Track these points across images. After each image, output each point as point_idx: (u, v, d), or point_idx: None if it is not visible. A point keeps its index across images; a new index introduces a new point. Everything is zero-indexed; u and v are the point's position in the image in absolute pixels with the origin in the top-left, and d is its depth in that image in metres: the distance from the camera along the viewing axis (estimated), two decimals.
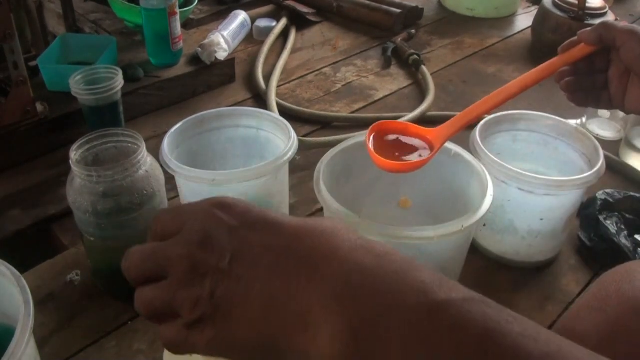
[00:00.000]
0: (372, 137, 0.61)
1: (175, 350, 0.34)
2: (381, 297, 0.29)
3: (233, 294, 0.32)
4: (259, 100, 1.17)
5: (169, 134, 0.75)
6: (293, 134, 0.75)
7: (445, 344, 0.28)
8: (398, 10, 1.46)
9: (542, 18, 1.37)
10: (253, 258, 0.32)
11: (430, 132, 0.63)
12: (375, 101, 1.20)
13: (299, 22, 1.46)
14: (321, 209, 0.68)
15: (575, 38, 0.65)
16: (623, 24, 0.63)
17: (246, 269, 0.32)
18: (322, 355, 0.30)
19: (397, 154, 0.61)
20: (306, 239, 0.32)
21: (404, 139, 0.63)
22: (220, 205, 0.34)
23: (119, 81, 0.86)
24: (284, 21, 1.43)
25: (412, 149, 0.62)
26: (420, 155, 0.61)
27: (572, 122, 0.83)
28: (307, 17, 1.48)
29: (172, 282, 0.33)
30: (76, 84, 0.84)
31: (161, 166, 0.69)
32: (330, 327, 0.29)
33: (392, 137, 0.63)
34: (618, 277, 0.54)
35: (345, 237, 0.32)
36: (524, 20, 1.60)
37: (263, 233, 0.33)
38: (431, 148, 0.62)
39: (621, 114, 0.98)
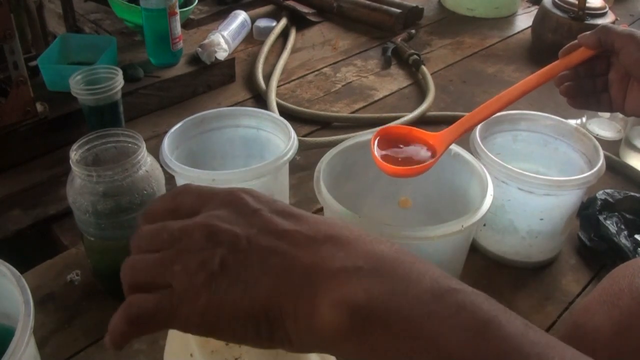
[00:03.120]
0: (376, 142, 0.62)
1: (144, 326, 0.32)
2: (393, 282, 0.30)
3: (245, 261, 0.31)
4: (259, 100, 1.17)
5: (169, 134, 0.75)
6: (293, 134, 0.75)
7: (448, 325, 0.28)
8: (398, 10, 1.46)
9: (542, 18, 1.37)
10: (275, 236, 0.32)
11: (433, 136, 0.63)
12: (375, 101, 1.20)
13: (299, 22, 1.46)
14: (321, 209, 0.68)
15: (575, 42, 0.65)
16: (622, 27, 0.63)
17: (265, 243, 0.32)
18: (318, 325, 0.30)
19: (400, 158, 0.61)
20: (329, 227, 0.33)
21: (407, 143, 0.63)
22: (245, 191, 0.35)
23: (119, 81, 0.86)
24: (284, 21, 1.43)
25: (416, 154, 0.62)
26: (431, 157, 0.61)
27: (572, 122, 0.83)
28: (307, 17, 1.48)
29: (180, 247, 0.32)
30: (76, 84, 0.84)
31: (161, 166, 0.69)
32: (334, 297, 0.29)
33: (395, 141, 0.63)
34: (630, 272, 0.54)
35: (366, 233, 0.33)
36: (524, 20, 1.60)
37: (287, 218, 0.33)
38: (434, 152, 0.62)
39: (621, 114, 0.98)
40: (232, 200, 0.34)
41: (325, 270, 0.30)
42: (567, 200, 0.75)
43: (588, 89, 0.67)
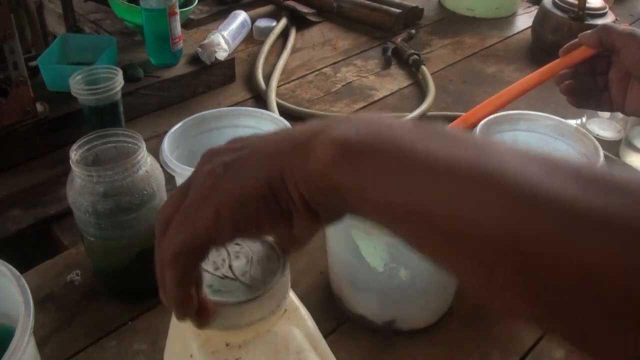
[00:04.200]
0: None
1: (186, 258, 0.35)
2: (380, 122, 0.33)
3: (245, 153, 0.36)
4: (259, 100, 1.17)
5: (169, 134, 0.75)
6: None
7: (426, 138, 0.31)
8: (398, 10, 1.46)
9: (542, 18, 1.37)
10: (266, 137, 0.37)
11: None
12: (375, 101, 1.20)
13: (299, 22, 1.46)
14: None
15: (576, 40, 0.65)
16: (623, 26, 0.63)
17: (263, 136, 0.37)
18: (312, 169, 0.32)
19: None
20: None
21: None
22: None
23: (119, 81, 0.86)
24: (284, 21, 1.43)
25: None
26: None
27: (572, 122, 0.83)
28: (307, 17, 1.48)
29: (189, 182, 0.37)
30: (76, 84, 0.84)
31: (161, 166, 0.69)
32: (325, 139, 0.32)
33: None
34: None
35: None
36: (524, 20, 1.60)
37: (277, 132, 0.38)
38: None
39: (621, 114, 0.98)
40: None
41: (317, 128, 0.33)
42: None
43: (588, 88, 0.67)
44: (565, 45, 0.66)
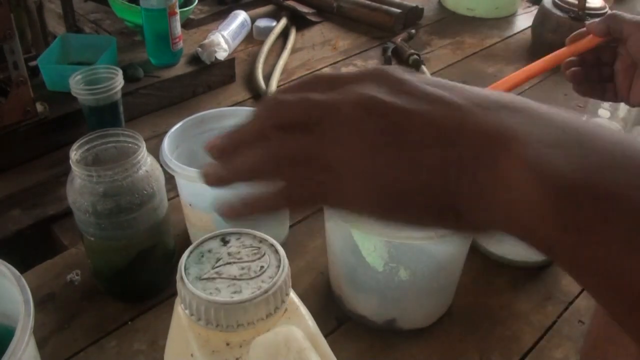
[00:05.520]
0: None
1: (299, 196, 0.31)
2: (597, 154, 0.26)
3: (406, 132, 0.28)
4: (259, 100, 1.17)
5: (169, 134, 0.75)
6: None
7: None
8: (398, 10, 1.46)
9: (542, 18, 1.37)
10: (438, 104, 0.29)
11: None
12: None
13: (299, 22, 1.46)
14: (321, 208, 0.68)
15: (583, 29, 0.65)
16: (631, 16, 0.62)
17: (427, 109, 0.28)
18: (503, 198, 0.26)
19: None
20: (499, 95, 0.30)
21: None
22: (382, 67, 0.31)
23: (119, 81, 0.86)
24: (284, 21, 1.43)
25: None
26: None
27: None
28: (307, 17, 1.48)
29: (328, 124, 0.28)
30: (76, 84, 0.84)
31: (161, 166, 0.69)
32: (526, 160, 0.25)
33: None
34: None
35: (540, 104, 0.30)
36: (524, 20, 1.60)
37: (444, 89, 0.31)
38: None
39: (621, 113, 0.98)
40: (373, 74, 0.30)
41: (504, 132, 0.26)
42: None
43: (593, 77, 0.66)
44: (572, 34, 0.65)
